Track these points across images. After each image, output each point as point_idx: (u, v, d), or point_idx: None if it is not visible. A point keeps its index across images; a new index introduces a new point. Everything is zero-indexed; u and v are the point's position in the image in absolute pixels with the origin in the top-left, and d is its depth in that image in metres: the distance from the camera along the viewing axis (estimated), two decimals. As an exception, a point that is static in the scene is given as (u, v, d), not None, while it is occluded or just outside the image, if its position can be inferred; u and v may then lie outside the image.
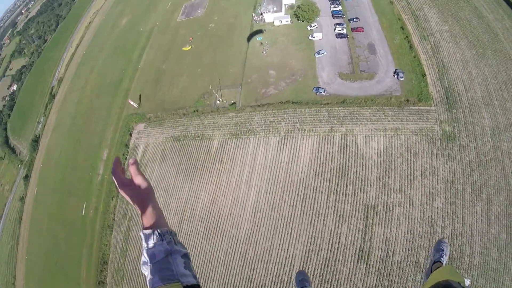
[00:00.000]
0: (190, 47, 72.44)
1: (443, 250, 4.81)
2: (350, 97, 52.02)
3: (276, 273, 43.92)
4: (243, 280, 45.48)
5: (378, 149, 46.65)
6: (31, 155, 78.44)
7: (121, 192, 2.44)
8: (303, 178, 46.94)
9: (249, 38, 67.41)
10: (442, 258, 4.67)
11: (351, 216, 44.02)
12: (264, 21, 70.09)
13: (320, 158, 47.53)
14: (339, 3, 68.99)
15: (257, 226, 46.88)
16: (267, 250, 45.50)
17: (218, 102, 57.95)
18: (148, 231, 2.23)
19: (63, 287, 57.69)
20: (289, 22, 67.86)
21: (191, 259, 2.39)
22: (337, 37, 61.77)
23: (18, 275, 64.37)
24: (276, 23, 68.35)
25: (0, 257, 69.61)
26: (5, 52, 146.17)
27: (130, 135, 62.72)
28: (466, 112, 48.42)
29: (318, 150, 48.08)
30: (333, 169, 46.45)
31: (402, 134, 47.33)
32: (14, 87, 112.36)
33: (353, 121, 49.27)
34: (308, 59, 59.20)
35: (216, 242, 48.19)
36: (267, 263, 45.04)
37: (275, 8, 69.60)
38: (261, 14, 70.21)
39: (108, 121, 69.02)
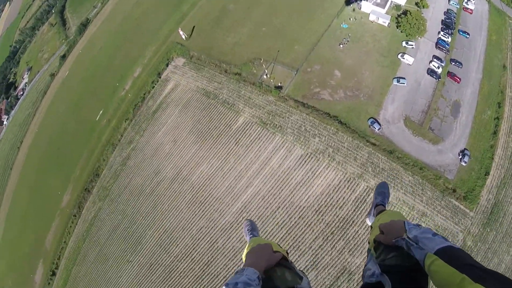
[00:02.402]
0: (267, -2, 57.62)
1: (384, 193, 4.30)
2: (402, 151, 40.55)
3: (232, 272, 39.61)
4: (201, 262, 42.09)
5: (396, 223, 37.03)
6: (76, 37, 72.53)
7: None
8: (304, 207, 39.16)
9: (332, 19, 51.98)
10: (384, 201, 4.16)
11: (325, 269, 37.79)
12: (360, 8, 53.24)
13: (332, 198, 38.82)
14: (451, 33, 50.81)
15: (238, 224, 41.26)
16: (235, 249, 40.67)
17: (264, 77, 47.15)
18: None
19: (56, 175, 57.39)
20: (386, 25, 51.50)
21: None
22: (428, 73, 46.99)
23: (24, 143, 64.47)
24: (372, 18, 52.05)
25: (17, 119, 69.50)
26: None
27: (167, 65, 54.37)
28: (497, 237, 38.23)
29: (335, 188, 39.09)
30: (337, 216, 38.21)
31: (424, 223, 38.02)
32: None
33: (388, 180, 39.22)
34: (384, 81, 45.53)
35: (195, 215, 43.63)
36: (229, 260, 40.85)
37: (378, 0, 52.00)
38: (361, -1, 53.06)
39: (154, 38, 60.03)
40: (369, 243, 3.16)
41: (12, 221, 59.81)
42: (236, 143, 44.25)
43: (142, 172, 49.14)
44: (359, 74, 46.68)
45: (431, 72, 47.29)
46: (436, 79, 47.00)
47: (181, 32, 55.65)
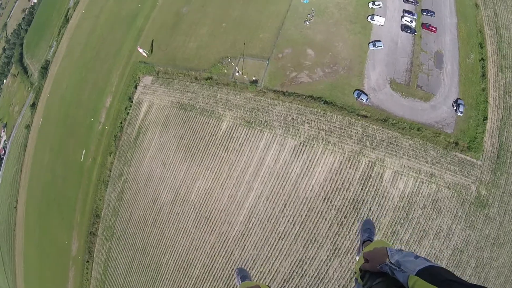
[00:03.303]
0: (219, -8, 52.48)
1: (370, 229, 4.31)
2: (395, 116, 37.19)
3: (256, 282, 36.96)
4: (224, 276, 39.38)
5: (403, 191, 34.83)
6: (40, 82, 67.25)
7: None
8: (311, 198, 36.05)
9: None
10: (371, 237, 4.23)
11: (347, 254, 35.17)
12: (317, -23, 48.42)
13: (337, 181, 35.70)
14: None
15: (249, 231, 38.28)
16: (253, 257, 37.94)
17: (237, 74, 43.00)
18: None
19: (58, 224, 53.92)
20: (348, -13, 46.62)
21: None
22: (402, 30, 42.93)
23: (20, 201, 60.54)
24: (332, -17, 47.06)
25: (6, 178, 65.13)
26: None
27: (136, 87, 49.81)
28: (509, 179, 36.12)
29: (337, 171, 35.87)
30: (346, 199, 35.21)
31: (434, 183, 35.10)
32: (35, 0, 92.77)
33: (388, 150, 35.78)
34: (359, 49, 41.58)
35: (205, 232, 40.55)
36: (250, 269, 37.96)
37: (335, -38, 47.18)
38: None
39: (116, 62, 55.17)
40: (355, 273, 3.07)
41: (30, 282, 56.75)
42: (226, 150, 40.65)
43: (140, 203, 45.67)
44: (332, 47, 42.59)
45: (405, 28, 43.33)
46: (411, 34, 43.13)
47: (141, 50, 50.82)
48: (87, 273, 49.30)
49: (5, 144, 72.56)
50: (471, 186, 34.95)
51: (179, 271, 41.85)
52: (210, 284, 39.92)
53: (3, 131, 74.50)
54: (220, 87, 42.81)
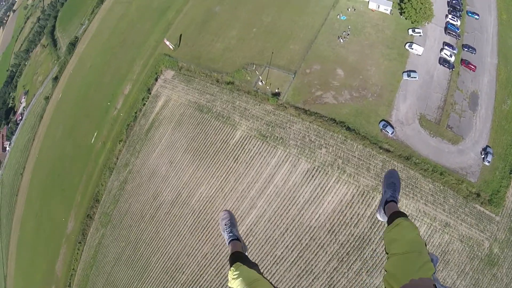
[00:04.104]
0: (255, -6, 49.94)
1: (394, 185, 3.58)
2: (419, 156, 33.89)
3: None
4: (211, 288, 36.83)
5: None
6: (66, 57, 66.80)
7: None
8: (315, 227, 33.21)
9: (328, 11, 44.25)
10: (395, 195, 3.48)
11: None
12: (358, -5, 45.32)
13: (346, 215, 32.68)
14: (460, 16, 42.68)
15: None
16: (246, 277, 34.99)
17: (260, 83, 40.38)
18: None
19: (58, 201, 52.96)
20: (388, 12, 43.54)
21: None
22: (440, 63, 39.42)
23: (27, 169, 60.13)
24: (372, 5, 44.22)
25: (19, 144, 65.09)
26: None
27: (156, 79, 48.05)
28: None
29: (348, 204, 32.86)
30: (352, 235, 32.19)
31: (447, 234, 32.04)
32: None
33: (406, 190, 32.49)
34: (392, 76, 38.27)
35: (199, 241, 38.32)
36: (240, 288, 35.14)
37: (378, -16, 44.01)
38: (359, -17, 44.98)
39: (141, 51, 53.61)
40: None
41: (23, 249, 56.30)
42: (235, 161, 38.17)
43: (140, 196, 43.87)
44: (364, 71, 39.35)
45: (443, 61, 39.66)
46: (449, 69, 39.42)
47: (167, 43, 48.95)
48: (77, 253, 47.98)
49: (23, 110, 72.86)
50: (485, 242, 31.29)
51: (167, 273, 39.77)
52: None
53: (24, 98, 74.90)
54: (240, 94, 40.33)
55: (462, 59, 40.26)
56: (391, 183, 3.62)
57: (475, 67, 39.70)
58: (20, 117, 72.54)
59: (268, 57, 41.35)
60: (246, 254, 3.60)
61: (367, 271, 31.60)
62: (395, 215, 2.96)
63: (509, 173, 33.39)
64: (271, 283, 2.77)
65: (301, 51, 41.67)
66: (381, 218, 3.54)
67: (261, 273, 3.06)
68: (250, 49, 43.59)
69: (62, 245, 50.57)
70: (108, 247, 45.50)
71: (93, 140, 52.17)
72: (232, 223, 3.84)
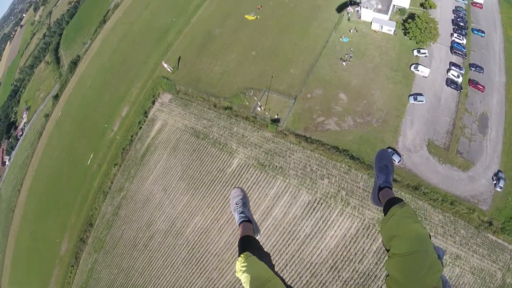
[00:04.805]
0: (255, 17, 49.00)
1: (387, 167, 3.18)
2: (428, 185, 31.04)
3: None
4: (205, 329, 33.47)
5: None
6: (67, 75, 66.03)
7: None
8: (316, 264, 30.06)
9: (330, 33, 42.51)
10: (389, 180, 3.09)
11: None
12: (360, 17, 43.64)
13: (350, 250, 29.58)
14: (466, 34, 40.63)
15: (241, 285, 32.09)
16: (242, 319, 31.65)
17: (258, 109, 38.15)
18: None
19: (53, 220, 50.59)
20: (391, 33, 41.66)
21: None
22: (448, 85, 37.06)
23: (24, 185, 58.24)
24: (374, 26, 42.29)
25: (18, 160, 63.52)
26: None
27: (153, 103, 46.22)
28: None
29: (352, 239, 29.82)
30: (357, 271, 28.99)
31: (458, 267, 28.96)
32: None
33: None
34: (398, 100, 35.88)
35: (193, 274, 35.24)
36: (235, 329, 31.92)
37: (379, 6, 42.17)
38: (359, 6, 43.27)
39: (140, 72, 52.24)
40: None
41: (17, 266, 53.65)
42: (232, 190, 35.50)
43: (134, 223, 41.23)
44: (368, 95, 37.00)
45: (451, 82, 37.21)
46: (457, 90, 36.90)
47: (165, 65, 47.53)
48: (70, 277, 45.11)
49: (24, 126, 71.82)
50: (497, 272, 27.85)
51: (160, 308, 36.63)
52: None
53: (25, 113, 74.01)
54: (238, 120, 38.14)
55: (470, 79, 37.80)
56: (383, 166, 3.18)
57: (483, 87, 37.14)
58: (21, 133, 71.46)
59: (267, 81, 39.40)
60: (258, 237, 3.25)
61: (373, 315, 28.14)
62: (390, 203, 2.63)
63: None
64: (283, 280, 2.36)
65: (302, 75, 39.64)
66: (375, 203, 3.19)
67: (273, 266, 2.73)
68: (249, 73, 41.74)
69: (55, 267, 47.86)
70: (100, 273, 42.56)
71: (89, 161, 50.20)
72: (244, 203, 3.52)
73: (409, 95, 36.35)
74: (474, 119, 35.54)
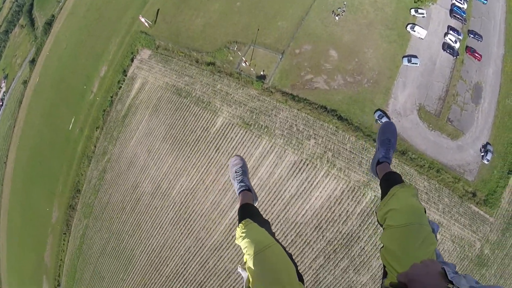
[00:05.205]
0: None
1: (389, 142, 2.84)
2: (416, 150, 27.02)
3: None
4: (195, 282, 31.36)
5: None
6: (42, 38, 54.31)
7: None
8: (301, 224, 26.76)
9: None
10: (388, 155, 2.80)
11: None
12: (356, -35, 34.64)
13: (334, 211, 26.21)
14: None
15: (228, 244, 29.36)
16: (227, 271, 29.38)
17: (243, 64, 31.09)
18: None
19: (41, 190, 44.69)
20: (390, -17, 33.24)
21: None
22: (444, 49, 31.07)
23: (9, 157, 50.56)
24: (372, -24, 33.54)
25: (1, 131, 54.51)
26: None
27: (132, 60, 37.86)
28: None
29: (337, 200, 26.27)
30: (340, 232, 26.10)
31: (439, 234, 24.70)
32: None
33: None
34: (391, 61, 29.89)
35: (181, 234, 31.73)
36: (223, 281, 29.83)
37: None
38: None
39: (117, 28, 42.58)
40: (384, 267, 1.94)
41: (12, 240, 48.79)
42: (217, 150, 30.24)
43: (120, 187, 36.13)
44: (360, 53, 30.57)
45: (447, 47, 31.26)
46: (453, 56, 31.21)
47: (143, 19, 37.95)
48: (63, 244, 41.15)
49: (4, 96, 60.74)
50: (476, 243, 26.08)
51: (151, 265, 33.58)
52: (180, 285, 31.86)
53: (3, 82, 62.24)
54: (222, 77, 31.23)
55: (467, 46, 32.01)
56: (386, 139, 2.87)
57: (480, 56, 31.62)
58: (1, 103, 60.58)
59: (253, 34, 31.73)
60: (257, 205, 2.90)
61: (354, 269, 25.91)
62: (387, 178, 2.50)
63: (507, 173, 27.47)
64: (283, 247, 2.09)
65: (290, 29, 32.06)
66: (374, 175, 2.93)
67: (273, 233, 2.40)
68: (234, 25, 33.56)
69: (48, 236, 43.38)
70: (92, 238, 38.56)
71: (70, 126, 42.66)
72: (244, 171, 3.06)
73: (403, 56, 30.35)
74: (468, 88, 30.61)
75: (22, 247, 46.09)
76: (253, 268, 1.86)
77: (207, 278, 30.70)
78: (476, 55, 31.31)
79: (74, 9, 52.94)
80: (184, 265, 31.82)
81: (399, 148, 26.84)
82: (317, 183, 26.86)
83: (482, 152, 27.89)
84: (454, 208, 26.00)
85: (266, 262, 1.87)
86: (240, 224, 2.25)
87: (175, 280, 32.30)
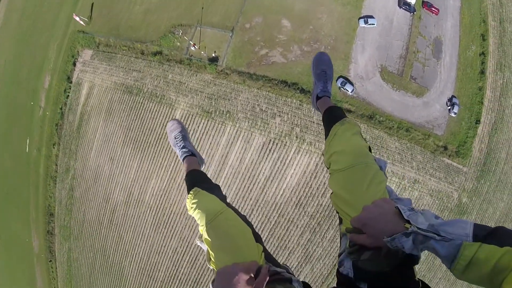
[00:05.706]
0: None
1: (325, 73, 2.27)
2: (383, 113, 22.78)
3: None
4: (190, 280, 26.49)
5: (387, 197, 21.07)
6: (-26, 55, 40.71)
7: None
8: (281, 204, 22.19)
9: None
10: (327, 89, 2.23)
11: (319, 260, 23.14)
12: None
13: (312, 186, 21.82)
14: None
15: (211, 238, 23.79)
16: (217, 264, 24.12)
17: (192, 48, 24.11)
18: None
19: (15, 221, 36.18)
20: None
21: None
22: (400, 6, 26.09)
23: None
24: None
25: None
26: None
27: (74, 64, 28.81)
28: (491, 187, 24.40)
29: (312, 175, 21.78)
30: (321, 205, 22.00)
31: (417, 190, 23.21)
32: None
33: (373, 152, 20.67)
34: (347, 24, 24.40)
35: (165, 236, 26.18)
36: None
37: None
38: None
39: (54, 32, 32.93)
40: (343, 236, 1.56)
41: (3, 280, 39.84)
42: (182, 146, 23.87)
43: (91, 202, 29.19)
44: (314, 19, 24.74)
45: (403, 4, 26.18)
46: (410, 12, 26.23)
47: (77, 18, 28.92)
48: (52, 271, 33.99)
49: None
50: (454, 193, 23.41)
51: (143, 274, 28.11)
52: (177, 286, 26.78)
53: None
54: (172, 65, 24.24)
55: (423, 1, 27.30)
56: (322, 72, 2.34)
57: (438, 10, 27.08)
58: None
59: (198, 14, 24.52)
60: (203, 169, 2.38)
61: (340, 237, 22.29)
62: (329, 114, 2.03)
63: (475, 123, 24.44)
64: (236, 209, 1.78)
65: (237, 3, 25.24)
66: (316, 110, 2.40)
67: (225, 197, 1.97)
68: (176, 7, 25.90)
69: (35, 267, 35.53)
70: (78, 260, 31.82)
71: (27, 148, 33.44)
72: (184, 136, 2.52)
73: (359, 18, 25.05)
74: (428, 43, 26.32)
75: (13, 283, 37.88)
76: (209, 238, 1.60)
77: (201, 274, 26.03)
78: (433, 9, 26.92)
79: (6, 19, 40.49)
80: (175, 266, 26.73)
81: (366, 113, 22.58)
82: (289, 161, 22.11)
83: (448, 106, 24.64)
84: (428, 164, 23.01)
85: (220, 229, 1.60)
86: (189, 195, 1.92)
87: (170, 283, 27.33)
